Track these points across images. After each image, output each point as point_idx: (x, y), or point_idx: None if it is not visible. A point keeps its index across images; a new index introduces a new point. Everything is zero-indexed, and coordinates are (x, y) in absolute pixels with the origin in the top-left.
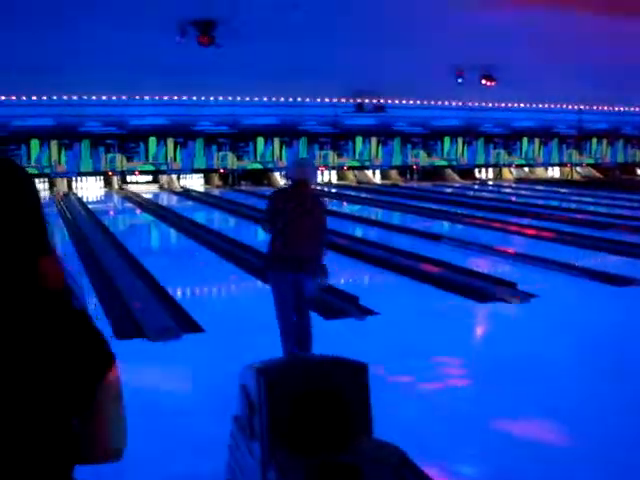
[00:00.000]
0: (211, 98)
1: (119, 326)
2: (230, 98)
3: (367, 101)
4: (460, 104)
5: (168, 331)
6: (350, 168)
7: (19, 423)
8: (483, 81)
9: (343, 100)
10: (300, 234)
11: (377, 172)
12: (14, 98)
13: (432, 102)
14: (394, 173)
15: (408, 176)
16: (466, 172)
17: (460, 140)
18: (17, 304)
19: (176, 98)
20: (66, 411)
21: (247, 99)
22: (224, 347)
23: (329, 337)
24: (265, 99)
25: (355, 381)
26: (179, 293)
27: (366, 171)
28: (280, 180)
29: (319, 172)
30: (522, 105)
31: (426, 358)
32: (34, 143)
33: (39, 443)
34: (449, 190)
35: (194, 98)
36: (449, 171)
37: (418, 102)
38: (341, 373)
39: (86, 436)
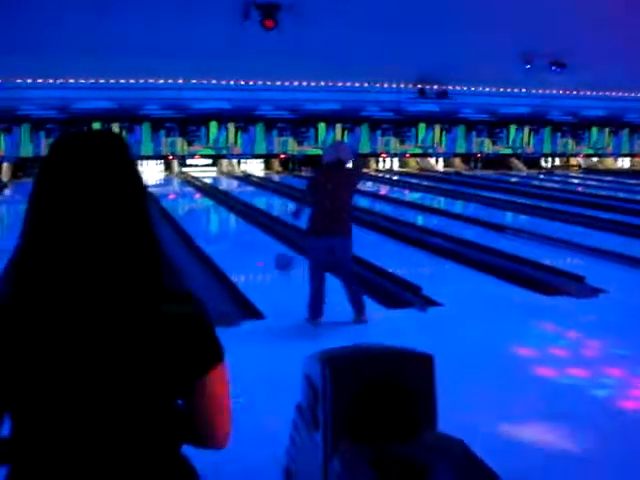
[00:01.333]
0: (277, 83)
1: None
2: (293, 83)
3: (430, 87)
4: (530, 91)
5: (227, 317)
6: (412, 155)
7: (125, 401)
8: (553, 67)
9: (406, 86)
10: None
11: (440, 160)
12: (74, 81)
13: (500, 89)
14: (457, 161)
15: (472, 164)
16: (532, 161)
17: (527, 128)
18: (130, 289)
19: (238, 83)
20: (171, 394)
21: (309, 84)
22: (285, 334)
23: (391, 327)
24: (327, 84)
25: (421, 373)
26: (239, 278)
27: (429, 158)
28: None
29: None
30: (592, 93)
31: (489, 351)
32: (96, 126)
33: (144, 420)
34: (514, 179)
35: (256, 83)
36: (514, 160)
37: (487, 89)
38: (407, 364)
39: (192, 421)
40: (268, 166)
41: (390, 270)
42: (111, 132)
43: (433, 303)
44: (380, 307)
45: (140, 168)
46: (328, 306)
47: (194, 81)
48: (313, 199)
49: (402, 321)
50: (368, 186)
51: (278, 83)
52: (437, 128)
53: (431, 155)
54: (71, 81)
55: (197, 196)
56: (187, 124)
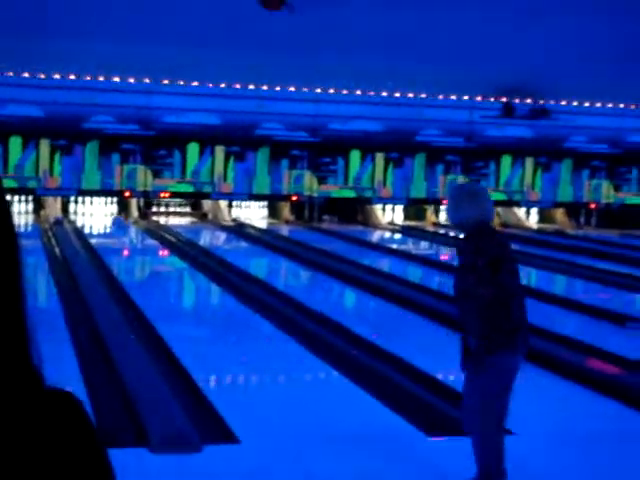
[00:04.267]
0: (290, 88)
1: (111, 426)
2: (311, 90)
3: (521, 100)
4: None
5: (182, 439)
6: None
7: None
8: None
9: (484, 98)
10: (522, 296)
11: (533, 211)
12: None
13: (629, 106)
14: (560, 214)
15: (582, 220)
16: None
17: None
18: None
19: (233, 86)
20: None
21: (336, 92)
22: (268, 471)
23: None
24: (364, 93)
25: None
26: (211, 383)
27: (515, 209)
28: (381, 217)
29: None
30: None
31: None
32: (14, 141)
33: None
34: None
35: (258, 87)
36: None
37: (602, 105)
38: None
39: None
40: (273, 213)
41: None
42: None
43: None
44: (419, 433)
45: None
46: (351, 430)
47: (166, 81)
48: (495, 288)
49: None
50: (421, 247)
51: (292, 88)
52: (529, 163)
53: (519, 204)
54: None
55: (163, 253)
56: (154, 145)
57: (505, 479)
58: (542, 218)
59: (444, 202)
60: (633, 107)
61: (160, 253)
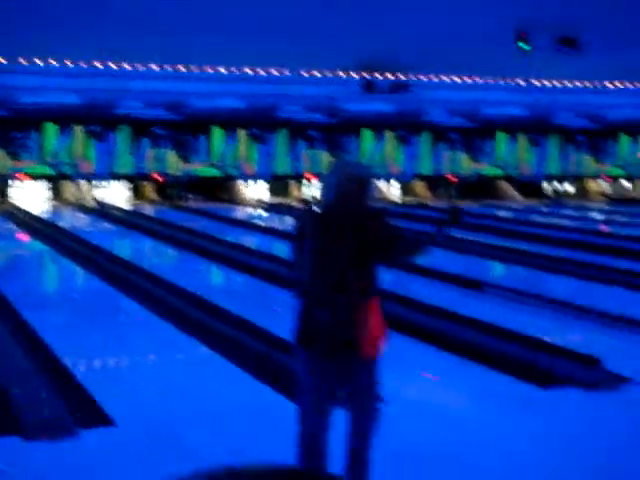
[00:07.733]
0: (151, 66)
1: None
2: (173, 68)
3: (380, 76)
4: (528, 83)
5: (56, 424)
6: None
7: None
8: (560, 47)
9: (344, 75)
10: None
11: (394, 184)
12: None
13: (481, 79)
14: (420, 187)
15: (442, 191)
16: (531, 187)
17: (522, 138)
18: None
19: (98, 66)
20: None
21: (195, 69)
22: (144, 450)
23: None
24: (228, 71)
25: None
26: (81, 367)
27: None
28: (246, 194)
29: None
30: (619, 85)
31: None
32: None
33: None
34: (504, 214)
35: (119, 65)
36: (504, 184)
37: (464, 80)
38: None
39: None
40: (137, 193)
41: None
42: None
43: None
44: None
45: None
46: (218, 408)
47: (22, 61)
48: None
49: None
50: (286, 223)
51: (153, 67)
52: (389, 137)
53: (378, 178)
54: None
55: (23, 237)
56: (10, 126)
57: None
58: (404, 191)
59: (307, 178)
60: (486, 81)
61: (20, 237)
